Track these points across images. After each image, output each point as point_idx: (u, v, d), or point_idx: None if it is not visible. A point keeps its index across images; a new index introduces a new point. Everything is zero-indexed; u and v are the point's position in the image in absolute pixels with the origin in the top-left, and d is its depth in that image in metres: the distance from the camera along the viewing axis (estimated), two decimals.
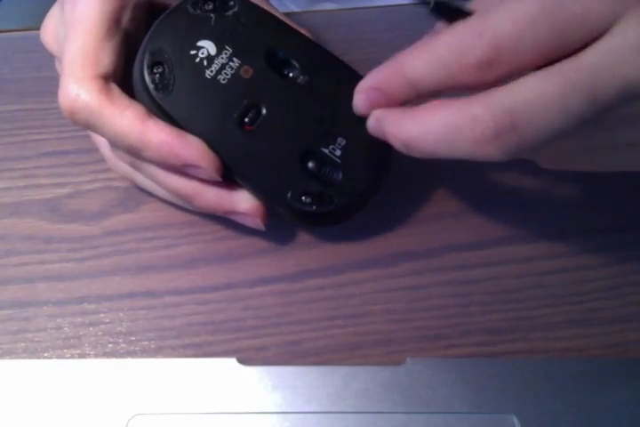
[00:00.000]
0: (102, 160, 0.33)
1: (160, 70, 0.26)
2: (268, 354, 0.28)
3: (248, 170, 0.27)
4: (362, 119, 0.26)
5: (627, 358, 0.28)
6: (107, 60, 0.26)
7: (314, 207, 0.26)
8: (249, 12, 0.27)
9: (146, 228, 0.31)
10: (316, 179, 0.27)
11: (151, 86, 0.26)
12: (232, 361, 0.28)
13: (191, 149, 0.26)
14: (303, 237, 0.31)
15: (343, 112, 0.27)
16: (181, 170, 0.26)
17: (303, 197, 0.26)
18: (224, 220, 0.31)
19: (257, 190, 0.27)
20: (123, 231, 0.31)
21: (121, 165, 0.30)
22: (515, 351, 0.28)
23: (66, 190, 0.33)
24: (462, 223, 0.32)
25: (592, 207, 0.32)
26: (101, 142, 0.30)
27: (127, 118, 0.25)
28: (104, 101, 0.25)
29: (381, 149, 0.27)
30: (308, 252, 0.31)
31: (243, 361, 0.28)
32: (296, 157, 0.27)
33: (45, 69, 0.37)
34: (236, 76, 0.26)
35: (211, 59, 0.26)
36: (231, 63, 0.26)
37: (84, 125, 0.26)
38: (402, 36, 0.37)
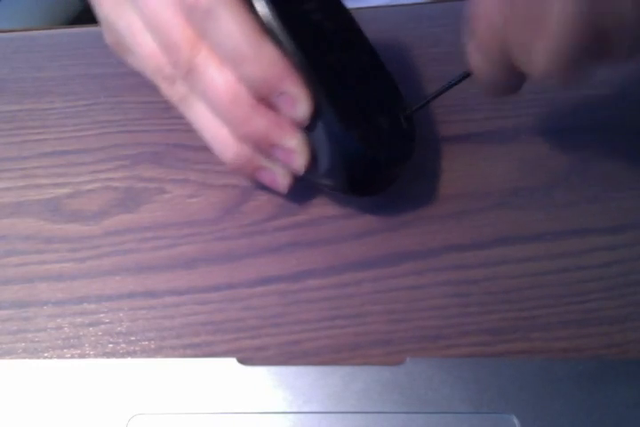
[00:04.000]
0: (102, 160, 0.34)
1: None
2: (269, 354, 0.28)
3: (330, 96, 0.27)
4: (396, 111, 0.30)
5: (627, 358, 0.28)
6: None
7: (367, 152, 0.28)
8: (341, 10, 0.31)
9: (146, 228, 0.31)
10: (371, 134, 0.28)
11: None
12: (232, 361, 0.27)
13: (298, 79, 0.26)
14: (303, 237, 0.31)
15: (387, 100, 0.30)
16: (271, 97, 0.26)
17: (363, 140, 0.28)
18: (224, 220, 0.31)
19: (332, 114, 0.27)
20: (123, 231, 0.31)
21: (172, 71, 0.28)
22: (515, 351, 0.28)
23: (66, 190, 0.33)
24: (462, 223, 0.32)
25: (592, 207, 0.32)
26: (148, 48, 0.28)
27: (251, 27, 0.25)
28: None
29: (408, 140, 0.30)
30: (308, 252, 0.31)
31: (243, 361, 0.28)
32: (359, 109, 0.28)
33: (45, 69, 0.37)
34: (322, 22, 0.29)
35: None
36: (318, 13, 0.29)
37: (199, 17, 0.26)
38: (402, 36, 0.37)
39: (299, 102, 0.26)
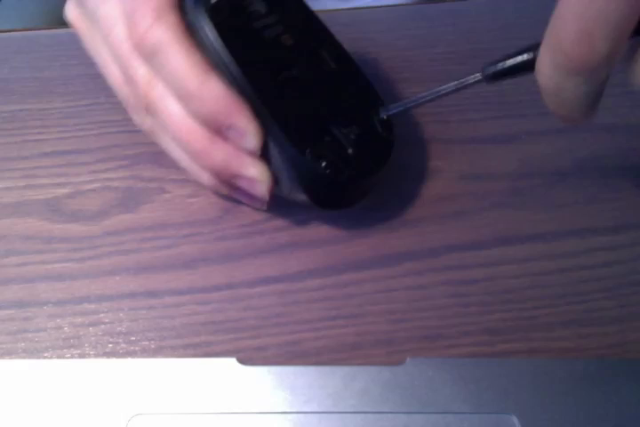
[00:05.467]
0: (102, 160, 0.34)
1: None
2: (268, 354, 0.28)
3: (277, 118, 0.27)
4: (371, 116, 0.29)
5: (627, 358, 0.28)
6: None
7: (327, 171, 0.27)
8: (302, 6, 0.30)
9: (146, 228, 0.31)
10: (332, 150, 0.28)
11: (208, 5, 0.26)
12: (232, 361, 0.28)
13: (244, 113, 0.26)
14: (303, 237, 0.31)
15: (359, 106, 0.30)
16: (221, 130, 0.26)
17: (320, 160, 0.27)
18: (224, 220, 0.31)
19: (283, 138, 0.27)
20: (123, 231, 0.31)
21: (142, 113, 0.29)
22: (515, 351, 0.28)
23: (66, 190, 0.33)
24: (462, 223, 0.32)
25: (592, 207, 0.32)
26: (119, 81, 0.29)
27: (195, 64, 0.25)
28: (180, 36, 0.25)
29: (384, 145, 0.30)
30: (307, 252, 0.31)
31: (243, 361, 0.28)
32: (319, 125, 0.28)
33: (45, 69, 0.37)
34: (277, 39, 0.28)
35: (260, 15, 0.28)
36: (276, 27, 0.28)
37: (148, 54, 0.26)
38: (402, 36, 0.37)
39: (247, 135, 0.26)
